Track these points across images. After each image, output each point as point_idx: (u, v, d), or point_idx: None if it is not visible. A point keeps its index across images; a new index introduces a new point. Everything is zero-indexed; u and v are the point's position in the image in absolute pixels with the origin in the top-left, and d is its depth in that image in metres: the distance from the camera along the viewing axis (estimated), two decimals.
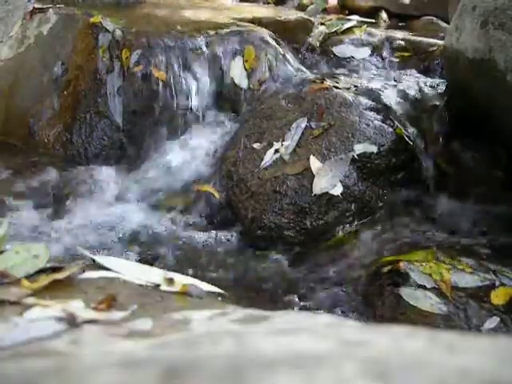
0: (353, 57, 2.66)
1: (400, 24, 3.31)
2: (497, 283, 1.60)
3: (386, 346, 0.45)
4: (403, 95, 2.28)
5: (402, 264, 1.67)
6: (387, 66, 2.67)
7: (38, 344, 0.60)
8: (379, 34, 2.81)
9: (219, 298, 0.89)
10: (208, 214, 2.09)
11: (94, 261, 0.91)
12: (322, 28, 2.78)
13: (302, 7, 3.50)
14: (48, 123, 2.41)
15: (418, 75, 2.51)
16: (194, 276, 0.92)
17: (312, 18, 2.86)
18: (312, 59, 2.67)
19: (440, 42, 2.62)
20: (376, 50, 2.71)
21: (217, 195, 2.11)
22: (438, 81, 2.43)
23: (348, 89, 2.21)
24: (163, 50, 2.34)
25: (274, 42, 2.50)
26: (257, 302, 1.72)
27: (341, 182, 1.96)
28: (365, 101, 2.15)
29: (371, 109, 2.13)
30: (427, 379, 0.37)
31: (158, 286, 0.85)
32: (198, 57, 2.36)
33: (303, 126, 2.08)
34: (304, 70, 2.53)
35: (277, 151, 2.05)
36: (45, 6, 2.63)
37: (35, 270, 0.82)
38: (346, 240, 1.95)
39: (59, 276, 0.81)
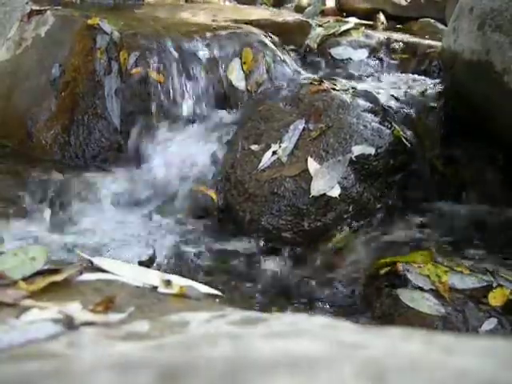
0: (350, 59, 2.67)
1: (398, 26, 3.32)
2: (494, 284, 1.60)
3: (384, 348, 0.45)
4: (401, 97, 2.29)
5: (399, 266, 1.67)
6: (385, 67, 2.67)
7: (35, 346, 0.60)
8: (377, 35, 2.81)
9: (217, 300, 0.89)
10: (206, 216, 2.09)
11: (91, 263, 0.91)
12: (319, 30, 2.78)
13: (299, 9, 3.51)
14: (46, 125, 2.40)
15: (416, 77, 2.52)
16: (192, 278, 0.92)
17: (310, 20, 2.86)
18: (310, 61, 2.68)
19: (438, 44, 2.63)
20: (374, 51, 2.71)
21: (215, 197, 2.11)
22: (435, 82, 2.43)
23: (346, 91, 2.21)
24: (161, 51, 2.35)
25: (271, 44, 2.50)
26: (254, 303, 1.72)
27: (339, 183, 1.96)
28: (362, 103, 2.15)
29: (369, 111, 2.13)
30: (424, 381, 0.37)
31: (156, 287, 0.85)
32: (195, 59, 2.37)
33: (301, 127, 2.08)
34: (302, 71, 2.53)
35: (274, 153, 2.05)
36: (42, 8, 2.63)
37: (33, 272, 0.82)
38: (344, 241, 1.95)
39: (57, 278, 0.80)
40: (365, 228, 1.99)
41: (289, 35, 2.71)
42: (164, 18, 2.69)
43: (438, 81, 2.44)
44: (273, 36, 2.57)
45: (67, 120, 2.38)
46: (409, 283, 1.62)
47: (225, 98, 2.39)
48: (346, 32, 2.80)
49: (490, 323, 1.53)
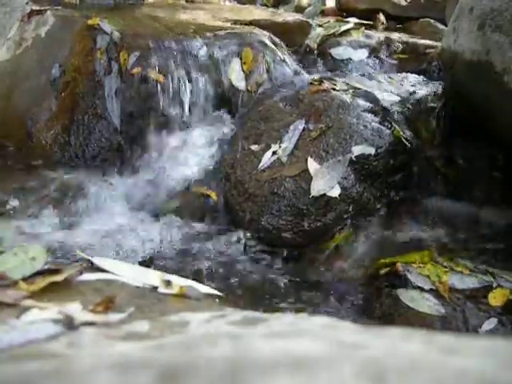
0: (350, 59, 2.67)
1: (398, 26, 3.32)
2: (494, 285, 1.60)
3: (384, 348, 0.45)
4: (401, 97, 2.29)
5: (399, 266, 1.67)
6: (385, 67, 2.67)
7: (35, 346, 0.60)
8: (377, 35, 2.81)
9: (217, 300, 0.89)
10: (206, 216, 2.09)
11: (91, 263, 0.91)
12: (319, 30, 2.78)
13: (299, 9, 3.51)
14: (46, 125, 2.40)
15: (416, 77, 2.52)
16: (192, 278, 0.92)
17: (310, 20, 2.86)
18: (310, 61, 2.68)
19: (438, 44, 2.63)
20: (374, 51, 2.71)
21: (215, 197, 2.11)
22: (435, 83, 2.43)
23: (346, 91, 2.21)
24: (161, 52, 2.35)
25: (271, 44, 2.50)
26: (254, 303, 1.72)
27: (339, 183, 1.96)
28: (362, 103, 2.15)
29: (369, 111, 2.13)
30: (424, 381, 0.37)
31: (156, 288, 0.85)
32: (195, 59, 2.36)
33: (301, 127, 2.08)
34: (302, 71, 2.53)
35: (274, 153, 2.05)
36: (42, 8, 2.63)
37: (33, 272, 0.82)
38: (344, 242, 1.95)
39: (57, 278, 0.80)
40: (365, 228, 1.99)
41: (289, 35, 2.70)
42: (164, 18, 2.69)
43: (438, 81, 2.44)
44: (273, 36, 2.57)
45: (67, 120, 2.38)
46: (409, 283, 1.62)
47: (225, 98, 2.39)
48: (346, 32, 2.80)
49: (490, 323, 1.53)
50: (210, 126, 2.33)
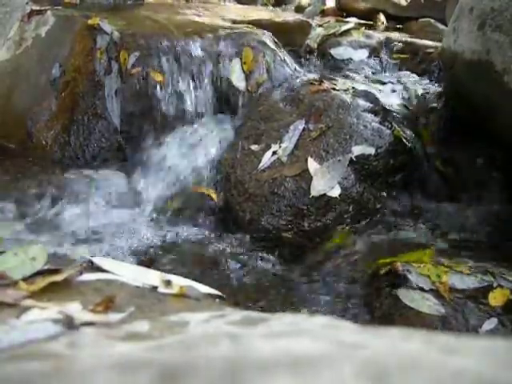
0: (351, 58, 2.67)
1: (398, 26, 3.32)
2: (494, 285, 1.60)
3: (384, 348, 0.45)
4: (401, 97, 2.29)
5: (399, 265, 1.67)
6: (385, 67, 2.67)
7: (35, 346, 0.60)
8: (377, 35, 2.81)
9: (217, 300, 0.89)
10: (206, 216, 2.09)
11: (91, 263, 0.91)
12: (319, 30, 2.78)
13: (299, 9, 3.51)
14: (46, 125, 2.40)
15: (416, 77, 2.52)
16: (192, 278, 0.92)
17: (310, 20, 2.87)
18: (310, 61, 2.68)
19: (438, 44, 2.63)
20: (374, 51, 2.72)
21: (215, 197, 2.11)
22: (435, 82, 2.43)
23: (346, 91, 2.21)
24: (161, 52, 2.35)
25: (272, 44, 2.50)
26: (254, 303, 1.72)
27: (339, 183, 1.96)
28: (363, 103, 2.15)
29: (369, 111, 2.13)
30: (424, 381, 0.37)
31: (156, 288, 0.85)
32: (195, 59, 2.37)
33: (301, 127, 2.08)
34: (302, 71, 2.53)
35: (274, 153, 2.06)
36: (43, 8, 2.63)
37: (33, 272, 0.82)
38: (344, 241, 1.95)
39: (57, 278, 0.80)
40: (365, 228, 1.99)
41: (289, 35, 2.70)
42: (164, 18, 2.69)
43: (438, 81, 2.45)
44: (273, 36, 2.57)
45: (67, 120, 2.38)
46: (409, 283, 1.62)
47: (225, 98, 2.39)
48: (347, 32, 2.80)
49: (490, 323, 1.53)
50: (210, 125, 2.33)
